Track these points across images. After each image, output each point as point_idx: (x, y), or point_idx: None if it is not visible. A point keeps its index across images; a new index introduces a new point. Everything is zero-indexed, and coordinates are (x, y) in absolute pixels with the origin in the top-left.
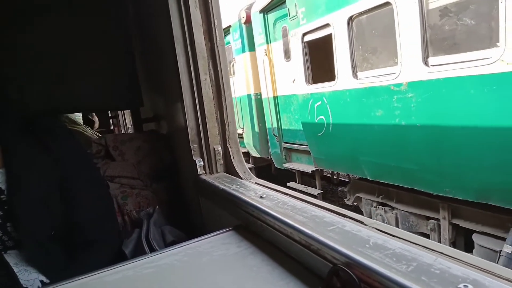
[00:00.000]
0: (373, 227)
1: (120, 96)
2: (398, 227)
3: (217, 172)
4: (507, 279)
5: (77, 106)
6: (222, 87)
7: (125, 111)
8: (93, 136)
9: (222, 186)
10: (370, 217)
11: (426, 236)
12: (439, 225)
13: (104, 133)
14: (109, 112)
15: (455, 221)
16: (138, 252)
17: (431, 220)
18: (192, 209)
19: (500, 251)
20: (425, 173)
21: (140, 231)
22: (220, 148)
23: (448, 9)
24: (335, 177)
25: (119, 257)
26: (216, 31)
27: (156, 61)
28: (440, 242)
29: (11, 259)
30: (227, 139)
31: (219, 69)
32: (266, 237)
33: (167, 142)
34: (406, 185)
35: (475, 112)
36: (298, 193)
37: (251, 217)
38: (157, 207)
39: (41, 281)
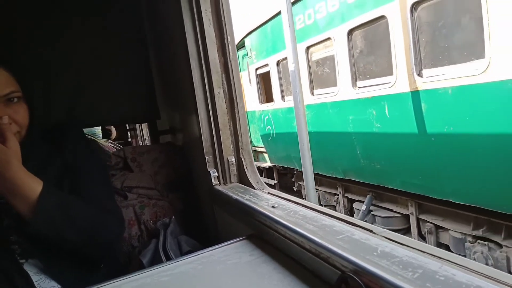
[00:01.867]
0: (382, 236)
1: (138, 109)
2: (320, 203)
3: (230, 182)
4: (510, 286)
5: (96, 120)
6: (235, 100)
7: (142, 124)
8: (109, 149)
9: (235, 196)
10: (304, 199)
11: (333, 208)
12: (338, 199)
13: (122, 145)
14: (127, 124)
15: (346, 195)
16: (156, 261)
17: (335, 196)
18: (207, 218)
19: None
20: (321, 163)
21: (157, 241)
22: (233, 159)
23: (319, 61)
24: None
25: (135, 266)
26: (229, 47)
27: (172, 76)
28: (341, 210)
29: (32, 268)
30: (240, 150)
31: (232, 82)
32: (278, 245)
33: (182, 154)
34: (318, 172)
35: (331, 123)
36: (310, 203)
37: (264, 226)
38: (173, 217)
39: None
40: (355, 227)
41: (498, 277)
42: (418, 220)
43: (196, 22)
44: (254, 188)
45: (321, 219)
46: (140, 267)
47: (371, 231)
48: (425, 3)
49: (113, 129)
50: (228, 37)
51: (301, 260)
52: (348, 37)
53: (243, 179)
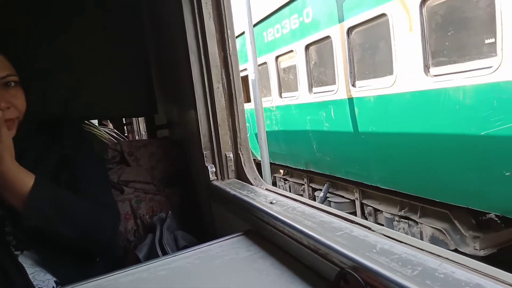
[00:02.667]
0: (380, 233)
1: (136, 103)
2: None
3: (228, 178)
4: (509, 284)
5: (94, 113)
6: (234, 95)
7: (139, 118)
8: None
9: (233, 192)
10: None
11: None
12: (304, 189)
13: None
14: (123, 119)
15: (311, 185)
16: (152, 256)
17: (302, 186)
18: (204, 214)
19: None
20: (290, 157)
21: (153, 236)
22: (231, 155)
23: (285, 69)
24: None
25: (131, 260)
26: (229, 41)
27: (171, 70)
28: (307, 196)
29: (27, 260)
30: (238, 146)
31: (231, 77)
32: (276, 241)
33: (180, 149)
34: (288, 165)
35: (295, 122)
36: (308, 200)
37: (261, 222)
38: (169, 212)
39: (56, 281)
40: (353, 224)
41: (497, 275)
42: (362, 204)
43: (196, 15)
44: (252, 184)
45: (320, 215)
46: (136, 261)
47: (369, 229)
48: (357, 28)
49: (109, 123)
50: (228, 31)
51: (299, 256)
52: (306, 51)
53: (241, 175)
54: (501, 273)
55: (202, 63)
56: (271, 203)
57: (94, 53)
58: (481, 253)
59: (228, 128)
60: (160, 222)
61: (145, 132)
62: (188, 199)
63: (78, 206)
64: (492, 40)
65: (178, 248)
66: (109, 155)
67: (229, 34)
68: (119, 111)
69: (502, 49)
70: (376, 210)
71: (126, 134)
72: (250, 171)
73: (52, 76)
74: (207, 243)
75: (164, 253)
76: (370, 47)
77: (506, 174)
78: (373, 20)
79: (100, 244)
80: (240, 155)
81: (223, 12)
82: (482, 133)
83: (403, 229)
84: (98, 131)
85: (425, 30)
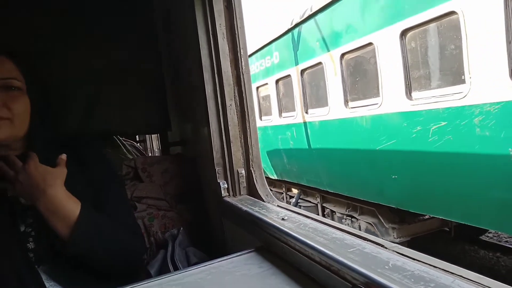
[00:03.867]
0: (393, 250)
1: (150, 120)
2: None
3: (240, 194)
4: None
5: (110, 130)
6: (246, 112)
7: (152, 135)
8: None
9: (245, 208)
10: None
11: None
12: (283, 197)
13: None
14: (137, 136)
15: (288, 193)
16: (163, 272)
17: (281, 194)
18: (215, 230)
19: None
20: (269, 169)
21: (165, 252)
22: (243, 171)
23: (263, 97)
24: None
25: (143, 276)
26: (242, 60)
27: (185, 88)
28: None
29: (42, 274)
30: (250, 163)
31: (244, 95)
32: (288, 258)
33: (192, 165)
34: (268, 176)
35: (270, 141)
36: (320, 217)
37: (273, 239)
38: (181, 228)
39: None
40: (366, 241)
41: None
42: (322, 207)
43: (211, 36)
44: (263, 201)
45: (332, 232)
46: (148, 277)
47: (382, 246)
48: (307, 70)
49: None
50: (241, 50)
51: (310, 273)
52: (276, 84)
53: (252, 192)
54: None
55: (216, 81)
56: (282, 219)
57: (110, 70)
58: (397, 240)
59: (241, 144)
60: (172, 238)
61: (158, 149)
62: (200, 216)
63: (116, 234)
64: (376, 85)
65: (190, 264)
66: (123, 171)
67: (241, 53)
68: (134, 127)
69: (382, 93)
70: (332, 211)
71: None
72: (262, 187)
73: (69, 92)
74: (219, 259)
75: (176, 269)
76: (315, 85)
77: (393, 177)
78: (314, 66)
79: (130, 269)
80: (252, 171)
81: (236, 32)
82: (377, 148)
83: (348, 224)
84: (123, 147)
85: (344, 75)
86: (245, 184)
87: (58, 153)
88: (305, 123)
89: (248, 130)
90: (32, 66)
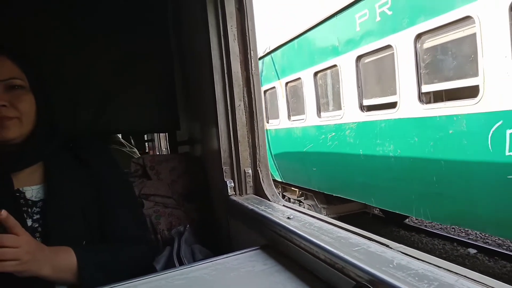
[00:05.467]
0: (398, 250)
1: (160, 119)
2: None
3: (246, 193)
4: None
5: (119, 129)
6: (255, 113)
7: (160, 135)
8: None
9: (251, 207)
10: None
11: None
12: None
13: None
14: (145, 135)
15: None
16: (169, 267)
17: None
18: (221, 228)
19: None
20: None
21: (171, 248)
22: (250, 171)
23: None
24: None
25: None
26: (252, 61)
27: (194, 88)
28: None
29: None
30: (257, 163)
31: (253, 96)
32: (292, 255)
33: (200, 164)
34: None
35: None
36: (325, 217)
37: (278, 237)
38: (187, 225)
39: None
40: (371, 241)
41: None
42: (283, 195)
43: (222, 37)
44: (269, 200)
45: (337, 231)
46: (153, 272)
47: (387, 246)
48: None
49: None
50: (252, 52)
51: (315, 271)
52: (264, 94)
53: (259, 191)
54: None
55: (225, 82)
56: (288, 218)
57: (120, 68)
58: (329, 217)
59: (248, 144)
60: (178, 235)
61: (166, 148)
62: (206, 214)
63: (121, 256)
64: (303, 107)
65: (195, 260)
66: (132, 168)
67: (252, 55)
68: (143, 126)
69: (306, 112)
70: (288, 198)
71: (147, 151)
72: (268, 187)
73: (78, 90)
74: (224, 256)
75: (181, 264)
76: (272, 103)
77: (314, 169)
78: (271, 89)
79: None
80: (259, 171)
81: (247, 34)
82: (304, 150)
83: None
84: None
85: (288, 98)
86: (251, 184)
87: (58, 152)
88: (266, 130)
89: (256, 131)
90: (33, 63)
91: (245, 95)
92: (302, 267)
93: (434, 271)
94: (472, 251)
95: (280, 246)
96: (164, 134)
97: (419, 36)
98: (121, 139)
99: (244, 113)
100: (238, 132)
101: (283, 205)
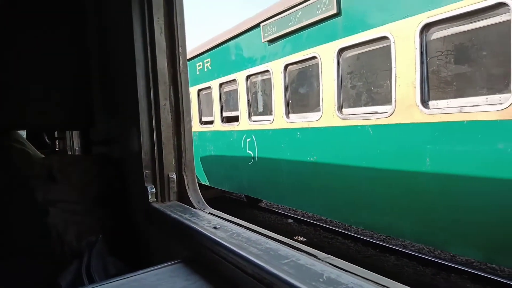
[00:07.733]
0: (326, 262)
1: (70, 116)
2: None
3: (169, 200)
4: None
5: (23, 124)
6: (182, 113)
7: (73, 132)
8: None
9: (173, 215)
10: None
11: None
12: None
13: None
14: (55, 132)
15: None
16: (77, 285)
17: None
18: (140, 238)
19: None
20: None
21: (80, 262)
22: (174, 176)
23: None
24: None
25: None
26: (180, 58)
27: (114, 82)
28: None
29: None
30: (183, 167)
31: (180, 95)
32: (217, 270)
33: (117, 167)
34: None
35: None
36: (254, 226)
37: (203, 249)
38: (100, 236)
39: None
40: (299, 252)
41: None
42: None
43: (147, 29)
44: (194, 208)
45: (266, 242)
46: None
47: (315, 257)
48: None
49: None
50: (180, 48)
51: (242, 287)
52: (220, 88)
53: (183, 198)
54: None
55: (150, 78)
56: (215, 228)
57: (25, 56)
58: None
59: (173, 147)
60: (89, 247)
61: (79, 148)
62: (123, 222)
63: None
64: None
65: (108, 276)
66: (35, 170)
67: (180, 51)
68: (51, 123)
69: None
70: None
71: (57, 149)
72: (193, 193)
73: None
74: (141, 271)
75: (91, 281)
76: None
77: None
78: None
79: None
80: (184, 176)
81: (175, 29)
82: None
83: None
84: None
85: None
86: (175, 190)
87: None
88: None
89: (182, 132)
90: None
91: (172, 93)
92: (228, 282)
93: (364, 286)
94: (290, 220)
95: (205, 259)
96: (77, 132)
97: (221, 85)
98: (23, 137)
99: (169, 113)
100: (163, 133)
101: (210, 213)
